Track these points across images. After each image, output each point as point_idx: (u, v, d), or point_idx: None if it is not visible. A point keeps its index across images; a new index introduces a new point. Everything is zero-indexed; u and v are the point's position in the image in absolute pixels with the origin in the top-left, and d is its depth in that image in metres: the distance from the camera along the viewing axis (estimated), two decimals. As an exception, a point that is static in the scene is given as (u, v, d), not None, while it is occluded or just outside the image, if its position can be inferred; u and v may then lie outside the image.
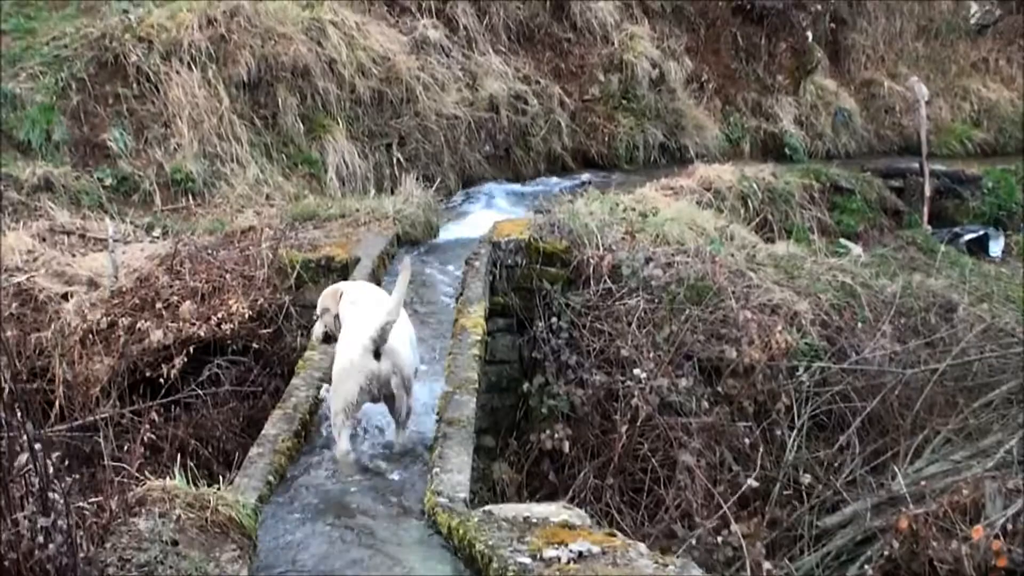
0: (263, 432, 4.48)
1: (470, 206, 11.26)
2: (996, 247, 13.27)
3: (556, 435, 6.86)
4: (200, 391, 6.80)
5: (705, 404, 7.26)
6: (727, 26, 15.75)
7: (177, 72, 10.40)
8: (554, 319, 7.62)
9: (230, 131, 10.28)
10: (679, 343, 7.40)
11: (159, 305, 7.18)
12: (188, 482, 3.72)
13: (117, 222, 8.63)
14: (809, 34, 15.75)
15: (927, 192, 13.29)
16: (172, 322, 7.06)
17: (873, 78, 16.59)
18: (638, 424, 6.88)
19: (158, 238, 8.57)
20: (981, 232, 13.32)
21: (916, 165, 13.93)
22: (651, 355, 7.46)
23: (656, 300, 7.93)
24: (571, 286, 8.07)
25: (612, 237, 8.54)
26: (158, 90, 10.30)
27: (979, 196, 13.93)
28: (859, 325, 8.56)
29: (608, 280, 8.02)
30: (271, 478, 4.09)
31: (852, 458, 7.36)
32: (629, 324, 7.72)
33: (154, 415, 6.46)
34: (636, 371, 6.94)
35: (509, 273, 7.91)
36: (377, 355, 4.58)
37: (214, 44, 10.74)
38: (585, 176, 12.89)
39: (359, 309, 4.92)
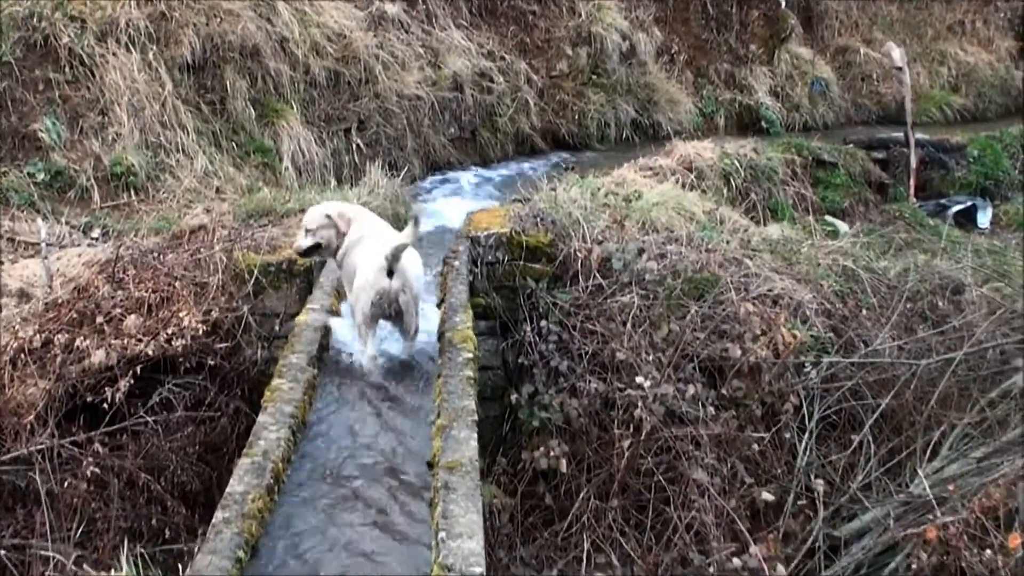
0: (228, 489, 3.71)
1: (438, 194, 10.49)
2: (984, 218, 12.85)
3: (551, 453, 6.18)
4: (150, 418, 6.00)
5: (711, 410, 6.60)
6: (696, -6, 15.07)
7: (114, 54, 9.45)
8: (542, 321, 6.92)
9: (174, 118, 9.38)
10: (680, 343, 6.71)
11: (100, 319, 6.35)
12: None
13: (51, 223, 7.75)
14: (783, 0, 15.10)
15: (913, 163, 12.75)
16: (116, 339, 6.24)
17: (848, 44, 16.06)
18: (641, 437, 6.20)
19: (97, 240, 7.71)
20: (969, 203, 12.86)
21: (899, 135, 13.42)
22: (650, 358, 6.80)
23: (651, 296, 7.26)
24: (557, 283, 7.39)
25: (598, 226, 7.84)
26: (93, 74, 9.32)
27: (964, 165, 13.45)
28: (863, 312, 8.01)
29: (598, 275, 7.33)
30: (241, 553, 3.34)
31: (867, 460, 6.87)
32: (624, 324, 7.06)
33: (98, 445, 5.84)
34: (639, 379, 6.24)
35: (490, 271, 7.21)
36: (390, 274, 5.19)
37: (154, 23, 9.81)
38: (558, 157, 12.20)
39: (375, 238, 5.53)
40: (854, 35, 16.21)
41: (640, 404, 6.20)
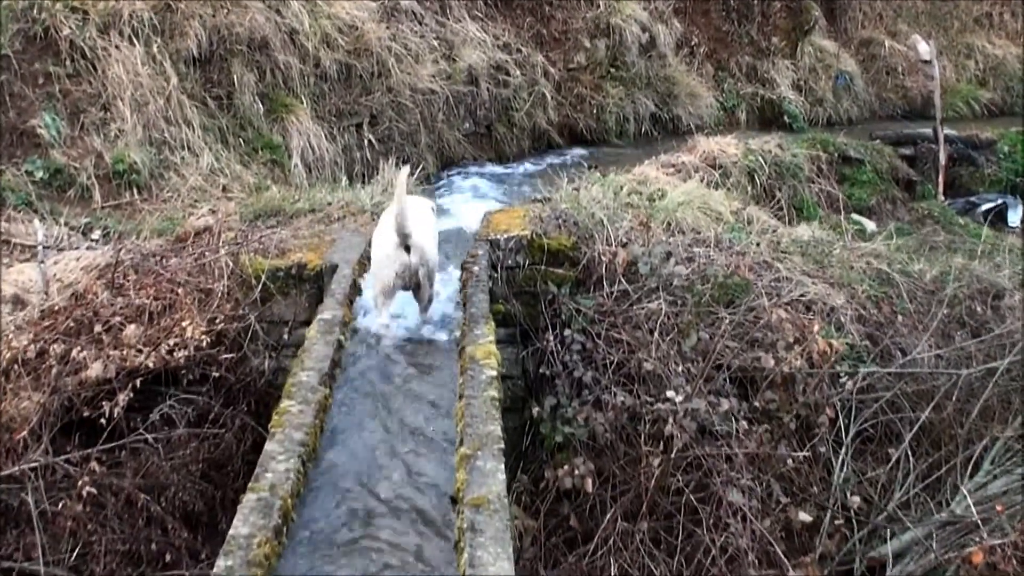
0: (232, 532, 3.34)
1: (453, 192, 10.08)
2: (1015, 216, 12.45)
3: (577, 471, 5.81)
4: (150, 435, 5.65)
5: (744, 424, 6.23)
6: (716, -16, 14.64)
7: (117, 47, 9.06)
8: (565, 329, 6.55)
9: (179, 114, 9.00)
10: (711, 353, 6.34)
11: (98, 328, 5.99)
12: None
13: (48, 224, 7.38)
14: (806, -10, 14.67)
15: (942, 160, 12.33)
16: (114, 349, 5.88)
17: (872, 37, 15.58)
18: (672, 456, 5.84)
19: (97, 242, 7.34)
20: (999, 201, 12.43)
21: (926, 131, 13.01)
22: (680, 368, 6.43)
23: (679, 302, 6.89)
24: (580, 288, 7.01)
25: (623, 228, 7.46)
26: (95, 68, 8.94)
27: (994, 162, 13.01)
28: (899, 318, 7.65)
29: (623, 280, 6.96)
30: (245, 608, 2.98)
31: (904, 475, 6.54)
32: (651, 332, 6.69)
33: (94, 463, 5.49)
34: (670, 393, 5.86)
35: (509, 275, 6.84)
36: (408, 249, 5.47)
37: (159, 14, 9.43)
38: (576, 153, 11.82)
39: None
40: (878, 27, 15.74)
41: (671, 420, 5.84)
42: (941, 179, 12.30)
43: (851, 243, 8.66)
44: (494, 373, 4.65)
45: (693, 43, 13.98)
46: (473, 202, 9.55)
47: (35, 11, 8.84)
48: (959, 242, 10.24)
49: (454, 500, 3.76)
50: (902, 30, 15.67)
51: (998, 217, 12.26)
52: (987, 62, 15.94)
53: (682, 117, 13.17)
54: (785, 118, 14.06)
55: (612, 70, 12.89)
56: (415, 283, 5.62)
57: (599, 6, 13.08)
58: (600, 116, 12.57)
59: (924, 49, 13.21)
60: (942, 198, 12.30)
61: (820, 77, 14.73)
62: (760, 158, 10.75)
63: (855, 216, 11.29)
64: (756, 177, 10.59)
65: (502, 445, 3.97)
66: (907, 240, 9.43)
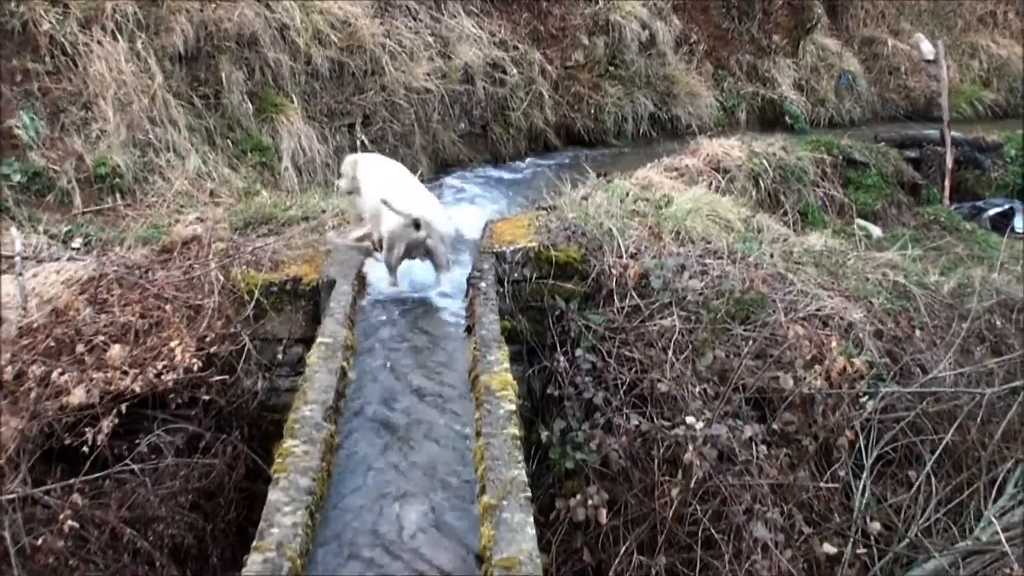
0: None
1: (450, 195, 9.68)
2: (1022, 222, 12.08)
3: (590, 501, 5.49)
4: (136, 465, 5.28)
5: (763, 448, 5.92)
6: (716, -21, 14.27)
7: (99, 43, 8.62)
8: (575, 348, 6.22)
9: (164, 113, 8.58)
10: (733, 377, 6.02)
11: (81, 348, 5.60)
12: None
13: (26, 232, 6.96)
14: (808, -13, 14.31)
15: (949, 163, 12.02)
16: (98, 371, 5.50)
17: (874, 36, 15.26)
18: (691, 485, 5.51)
19: (78, 251, 6.91)
20: (1006, 206, 12.13)
21: (931, 132, 12.70)
22: (696, 390, 6.11)
23: (693, 318, 6.56)
24: (589, 302, 6.68)
25: (632, 238, 7.13)
26: (76, 65, 8.50)
27: (1001, 165, 12.71)
28: (917, 333, 7.37)
29: (634, 294, 6.63)
30: None
31: (927, 499, 6.26)
32: (664, 350, 6.37)
33: (76, 495, 5.10)
34: (689, 419, 5.53)
35: (515, 289, 6.52)
36: (418, 226, 5.91)
37: (143, 8, 8.97)
38: (573, 153, 11.45)
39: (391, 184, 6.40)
40: (880, 26, 15.42)
41: (690, 447, 5.51)
42: (948, 183, 11.99)
43: (864, 253, 8.34)
44: (513, 407, 4.29)
45: (692, 40, 13.63)
46: (470, 206, 9.18)
47: (12, 4, 8.38)
48: (973, 249, 10.00)
49: (480, 559, 3.41)
50: (905, 29, 15.36)
51: (1005, 222, 11.96)
52: (991, 62, 15.65)
53: (681, 117, 12.82)
54: (786, 118, 13.74)
55: (611, 68, 12.51)
56: (426, 251, 6.07)
57: (598, 2, 12.71)
58: (598, 116, 12.20)
59: (927, 48, 12.92)
60: (948, 202, 11.99)
61: (822, 76, 14.41)
62: (765, 161, 10.43)
63: (860, 221, 11.02)
64: (761, 181, 10.27)
65: (528, 493, 3.62)
66: (920, 248, 9.11)
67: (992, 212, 11.98)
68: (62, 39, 8.48)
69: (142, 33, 8.87)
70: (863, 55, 15.18)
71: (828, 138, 11.83)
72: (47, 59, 8.43)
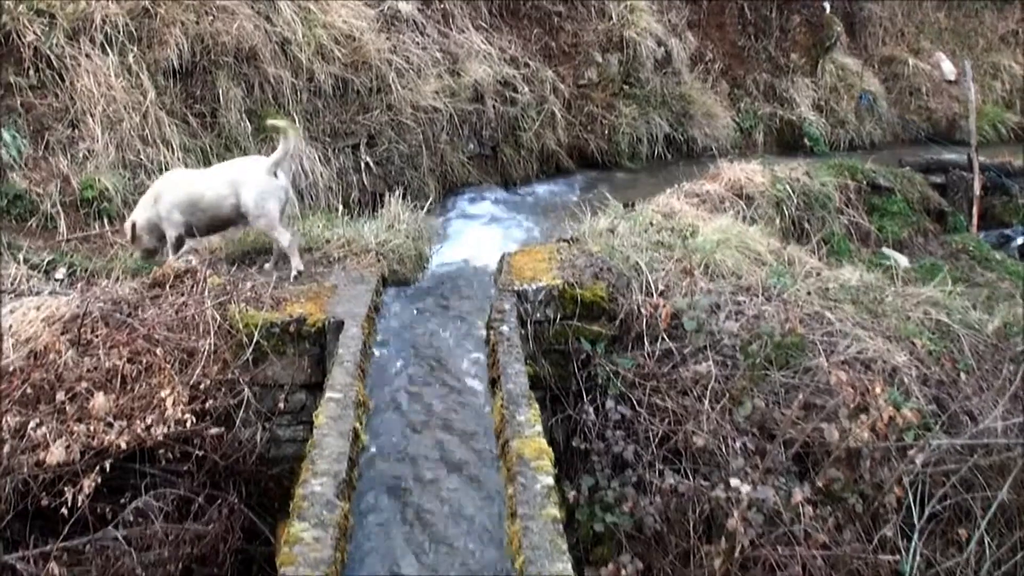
0: None
1: (461, 222, 9.13)
2: (1051, 251, 11.58)
3: (624, 572, 4.95)
4: (121, 532, 4.73)
5: (810, 509, 5.40)
6: (732, -4, 13.76)
7: (88, 56, 8.10)
8: (604, 398, 5.71)
9: (157, 132, 8.03)
10: (781, 433, 5.50)
11: (61, 396, 5.07)
12: None
13: (6, 261, 6.41)
14: (827, 4, 13.76)
15: (977, 190, 11.49)
16: (79, 423, 4.97)
17: (894, 55, 14.76)
18: (737, 556, 4.98)
19: (61, 283, 6.37)
20: (1035, 234, 11.61)
21: (955, 157, 12.17)
22: (737, 445, 5.58)
23: (729, 363, 6.04)
24: (617, 345, 6.16)
25: (661, 273, 6.61)
26: (63, 79, 7.97)
27: (1029, 192, 12.19)
28: (962, 377, 6.86)
29: (666, 337, 6.11)
30: None
31: (978, 560, 5.78)
32: (699, 399, 5.85)
33: (53, 563, 4.61)
34: (734, 482, 5.00)
35: (538, 330, 6.00)
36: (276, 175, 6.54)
37: (135, 20, 8.44)
38: (586, 177, 10.94)
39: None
40: (900, 44, 14.92)
41: (735, 512, 4.99)
42: (976, 210, 11.47)
43: (902, 288, 7.82)
44: (550, 481, 3.75)
45: (708, 59, 13.12)
46: (482, 232, 8.65)
47: (-4, 14, 7.86)
48: (1004, 282, 9.51)
49: None
50: (925, 48, 14.87)
51: (1032, 250, 11.46)
52: (1014, 83, 15.15)
53: (697, 139, 12.29)
54: (805, 140, 13.21)
55: (625, 87, 11.97)
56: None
57: (611, 18, 12.17)
58: (612, 137, 11.65)
59: (948, 68, 12.43)
60: (975, 230, 11.47)
61: (842, 97, 13.89)
62: (788, 187, 9.90)
63: (886, 250, 10.49)
64: (784, 208, 9.74)
65: (577, 600, 3.08)
66: (961, 284, 8.60)
67: (1021, 241, 11.46)
68: (48, 51, 7.97)
69: (133, 46, 8.34)
70: (883, 75, 14.69)
71: (852, 162, 11.30)
72: (31, 72, 7.92)
